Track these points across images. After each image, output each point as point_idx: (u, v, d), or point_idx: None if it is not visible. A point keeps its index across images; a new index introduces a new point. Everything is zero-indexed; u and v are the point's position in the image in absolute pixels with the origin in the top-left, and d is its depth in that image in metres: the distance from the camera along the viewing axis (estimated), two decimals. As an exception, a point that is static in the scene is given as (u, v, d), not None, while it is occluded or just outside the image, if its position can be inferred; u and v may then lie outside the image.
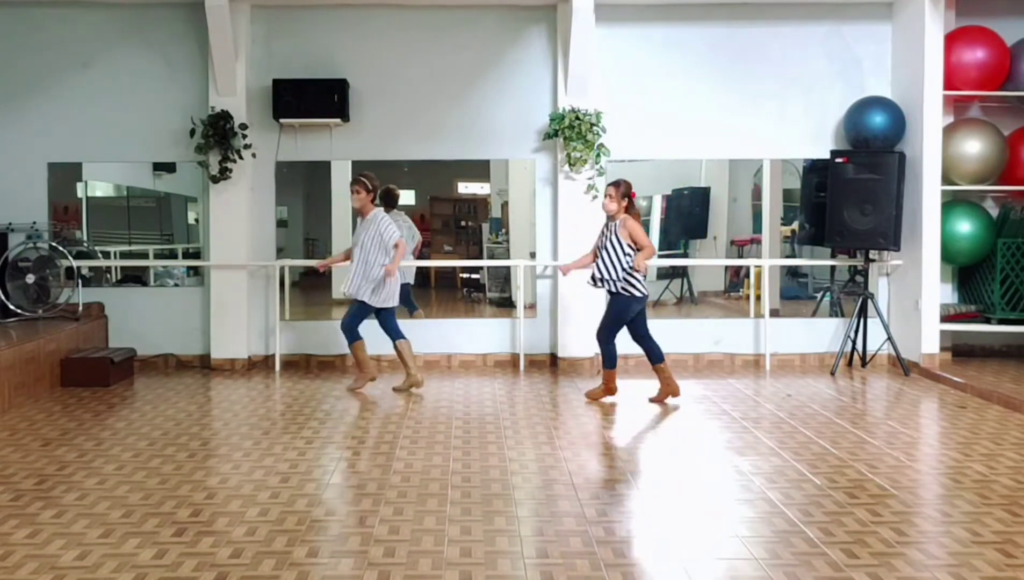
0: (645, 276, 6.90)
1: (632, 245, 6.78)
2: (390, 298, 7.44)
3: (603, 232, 7.01)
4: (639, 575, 3.73)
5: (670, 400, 7.05)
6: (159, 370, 8.64)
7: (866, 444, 5.77)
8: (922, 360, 8.26)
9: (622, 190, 6.83)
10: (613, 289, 6.88)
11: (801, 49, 8.87)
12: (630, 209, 6.86)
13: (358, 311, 7.44)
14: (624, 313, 6.89)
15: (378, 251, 7.31)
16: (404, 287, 8.02)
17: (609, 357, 6.98)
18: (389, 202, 8.27)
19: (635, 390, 7.80)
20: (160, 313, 8.85)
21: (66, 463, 5.32)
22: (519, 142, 8.87)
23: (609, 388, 7.07)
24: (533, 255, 9.02)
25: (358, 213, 7.53)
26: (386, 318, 7.51)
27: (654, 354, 7.01)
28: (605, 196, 6.95)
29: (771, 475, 5.08)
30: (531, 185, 8.96)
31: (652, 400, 7.07)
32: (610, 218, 6.91)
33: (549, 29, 8.76)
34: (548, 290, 8.93)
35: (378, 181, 7.54)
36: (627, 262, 6.75)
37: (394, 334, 7.49)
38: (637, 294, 6.81)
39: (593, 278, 6.99)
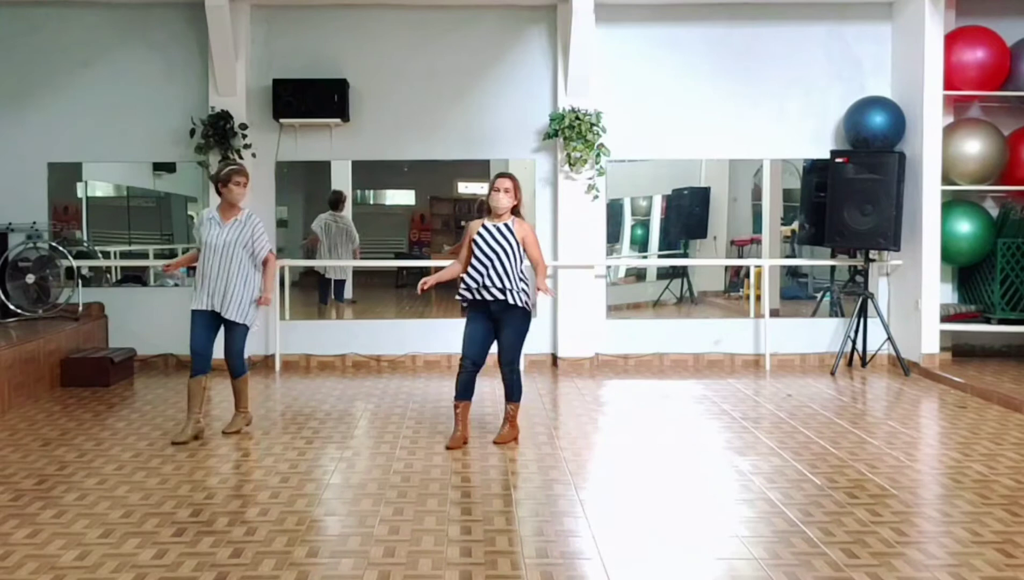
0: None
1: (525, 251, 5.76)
2: (255, 315, 6.06)
3: (480, 233, 5.75)
4: (639, 575, 3.73)
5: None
6: (159, 370, 8.64)
7: (866, 444, 5.77)
8: (922, 360, 8.26)
9: (517, 183, 5.79)
10: (513, 300, 5.65)
11: (801, 49, 8.87)
12: (520, 209, 5.85)
13: (243, 334, 5.99)
14: (526, 330, 5.81)
15: (244, 258, 5.87)
16: (340, 283, 7.94)
17: (520, 386, 5.85)
18: (335, 206, 8.23)
19: (636, 390, 7.81)
20: (160, 313, 8.84)
21: (66, 463, 5.32)
22: (519, 142, 8.87)
23: (515, 426, 5.87)
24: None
25: (220, 207, 5.93)
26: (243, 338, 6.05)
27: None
28: (499, 189, 5.73)
29: (771, 475, 5.08)
30: (531, 185, 8.95)
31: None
32: (496, 217, 5.77)
33: (549, 29, 8.76)
34: (548, 290, 8.92)
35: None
36: (523, 269, 5.74)
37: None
38: (529, 308, 5.77)
39: (471, 289, 5.71)
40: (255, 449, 5.65)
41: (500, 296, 5.62)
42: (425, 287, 5.81)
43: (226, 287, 5.82)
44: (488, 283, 5.63)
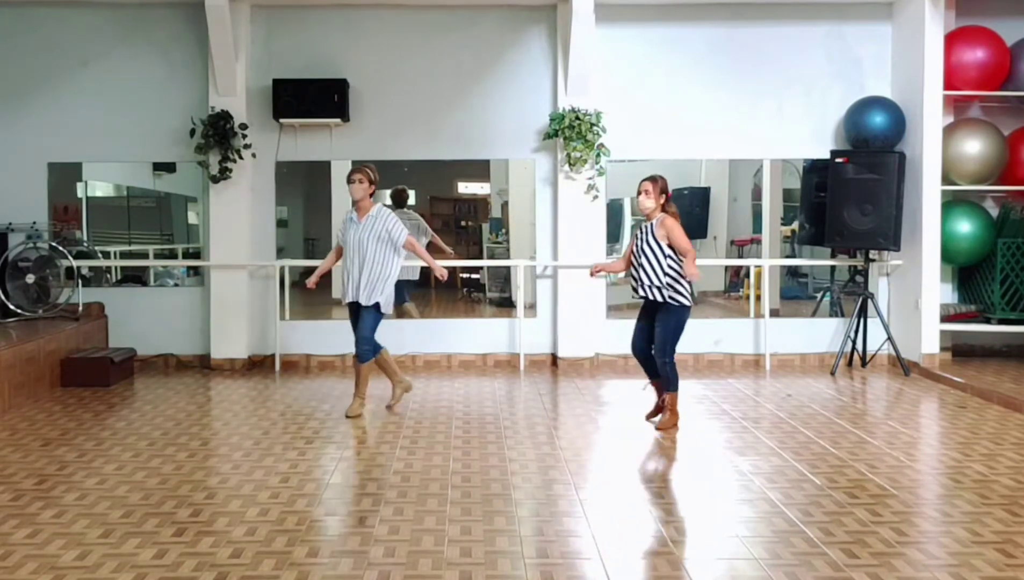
0: (691, 283, 6.12)
1: (672, 247, 6.03)
2: (388, 303, 6.72)
3: (637, 234, 6.27)
4: (639, 575, 3.73)
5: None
6: (159, 370, 8.64)
7: (866, 444, 5.77)
8: (922, 360, 8.26)
9: (660, 186, 6.08)
10: (661, 298, 6.06)
11: (801, 49, 8.87)
12: (667, 207, 6.12)
13: (374, 319, 6.61)
14: (679, 326, 6.12)
15: (385, 250, 6.54)
16: (399, 284, 7.93)
17: (675, 378, 6.21)
18: (399, 203, 8.07)
19: (636, 390, 7.80)
20: (160, 313, 8.86)
21: (66, 463, 5.32)
22: (519, 142, 8.87)
23: (676, 413, 6.23)
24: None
25: (355, 205, 6.67)
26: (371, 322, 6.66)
27: None
28: (640, 192, 6.12)
29: (771, 475, 5.08)
30: (531, 185, 8.96)
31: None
32: (646, 218, 6.19)
33: (549, 29, 8.76)
34: (548, 290, 8.93)
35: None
36: (668, 266, 6.01)
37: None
38: (687, 303, 6.09)
39: (633, 288, 6.22)
40: (255, 449, 5.65)
41: (648, 294, 6.10)
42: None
43: (360, 277, 6.51)
44: (636, 283, 6.16)
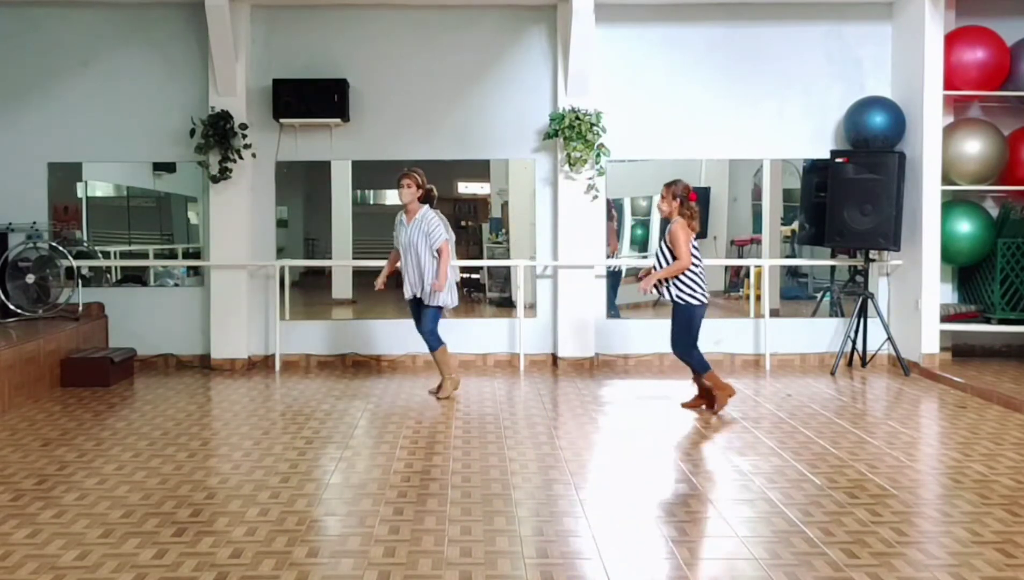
0: (702, 282, 6.46)
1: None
2: (446, 298, 7.09)
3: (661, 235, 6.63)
4: (639, 574, 3.73)
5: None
6: (159, 370, 8.64)
7: (866, 444, 5.77)
8: (922, 360, 8.26)
9: (673, 190, 6.43)
10: (670, 297, 6.48)
11: (801, 49, 8.87)
12: (683, 210, 6.42)
13: (433, 314, 7.07)
14: (690, 323, 6.48)
15: (427, 250, 6.97)
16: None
17: (700, 364, 6.56)
18: (427, 202, 7.91)
19: (636, 390, 7.81)
20: (160, 313, 8.85)
21: (66, 463, 5.32)
22: (519, 142, 8.87)
23: (722, 387, 6.58)
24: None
25: (404, 209, 7.11)
26: (431, 319, 7.14)
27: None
28: (660, 196, 6.55)
29: (771, 475, 5.08)
30: (531, 185, 8.96)
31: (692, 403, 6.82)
32: (666, 220, 6.57)
33: (549, 29, 8.76)
34: (548, 290, 8.93)
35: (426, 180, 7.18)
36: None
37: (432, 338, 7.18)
38: (695, 302, 6.42)
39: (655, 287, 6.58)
40: (255, 449, 5.65)
41: (659, 292, 6.53)
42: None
43: (420, 276, 6.99)
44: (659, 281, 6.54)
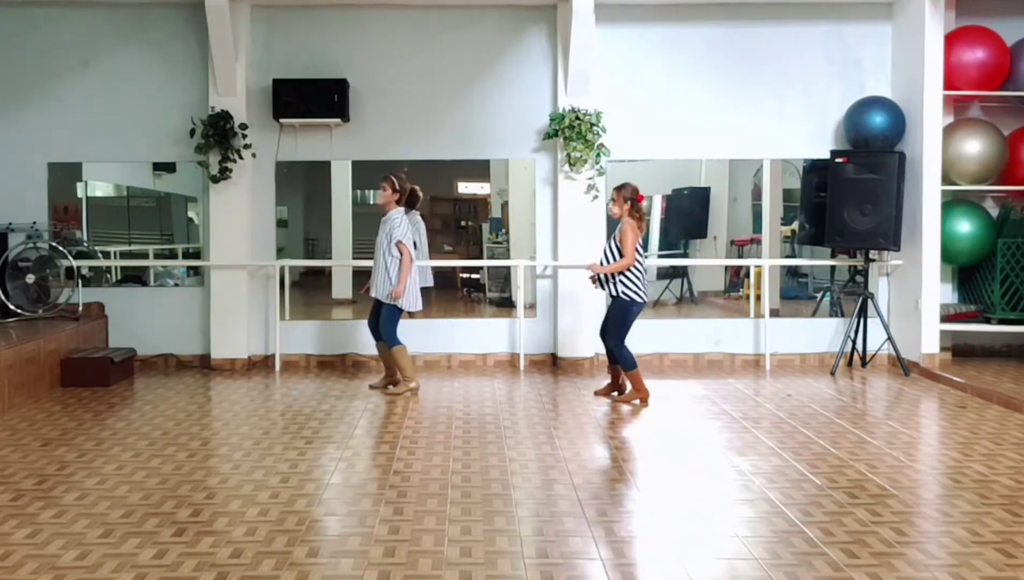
0: (644, 281, 6.94)
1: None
2: (407, 301, 7.24)
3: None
4: (639, 575, 3.73)
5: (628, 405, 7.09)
6: (159, 370, 8.64)
7: (866, 444, 5.77)
8: (922, 360, 8.26)
9: (623, 193, 6.92)
10: (613, 292, 6.96)
11: (801, 49, 8.87)
12: (633, 213, 6.91)
13: (390, 313, 7.24)
14: (625, 317, 6.96)
15: (387, 251, 7.20)
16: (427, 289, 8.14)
17: (626, 360, 6.99)
18: (410, 203, 7.93)
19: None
20: (160, 313, 8.85)
21: (66, 463, 5.32)
22: (519, 142, 8.87)
23: (640, 389, 7.02)
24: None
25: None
26: (386, 316, 7.31)
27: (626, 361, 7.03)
28: (611, 199, 7.08)
29: (771, 475, 5.08)
30: (531, 185, 8.96)
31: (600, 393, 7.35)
32: (617, 221, 7.04)
33: (549, 29, 8.76)
34: (548, 290, 8.93)
35: (407, 183, 7.43)
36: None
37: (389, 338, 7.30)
38: (635, 299, 6.89)
39: (592, 278, 7.15)
40: (255, 449, 5.65)
41: (602, 285, 7.03)
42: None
43: (375, 275, 7.26)
44: (602, 276, 6.98)
